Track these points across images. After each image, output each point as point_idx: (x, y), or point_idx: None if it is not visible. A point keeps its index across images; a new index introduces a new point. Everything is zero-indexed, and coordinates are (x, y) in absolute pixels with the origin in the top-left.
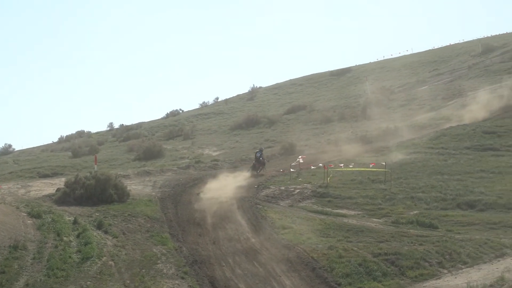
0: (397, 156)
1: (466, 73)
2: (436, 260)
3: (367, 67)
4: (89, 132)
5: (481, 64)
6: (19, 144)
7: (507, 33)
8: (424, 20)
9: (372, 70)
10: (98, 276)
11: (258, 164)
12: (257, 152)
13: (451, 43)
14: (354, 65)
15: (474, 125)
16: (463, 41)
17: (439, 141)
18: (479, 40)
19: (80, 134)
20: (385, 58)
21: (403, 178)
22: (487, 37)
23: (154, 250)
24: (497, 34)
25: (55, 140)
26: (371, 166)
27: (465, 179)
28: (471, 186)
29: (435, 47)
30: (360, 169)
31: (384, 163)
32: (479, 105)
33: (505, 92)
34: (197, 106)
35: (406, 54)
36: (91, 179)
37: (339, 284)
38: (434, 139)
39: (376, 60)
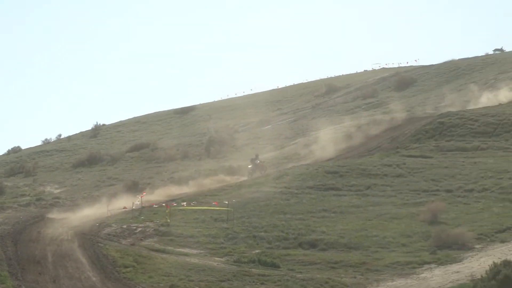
0: (240, 195)
1: (309, 112)
2: None
3: (212, 105)
4: None
5: (325, 104)
6: None
7: (350, 74)
8: (268, 59)
9: (216, 109)
10: None
11: (255, 168)
12: (253, 158)
13: (295, 83)
14: (199, 103)
15: (317, 165)
16: (307, 81)
17: (282, 180)
18: (322, 80)
19: None
20: (229, 97)
21: (246, 217)
22: (331, 77)
23: None
24: (341, 74)
25: None
26: (213, 204)
27: (307, 219)
28: (313, 226)
29: (279, 87)
30: (202, 207)
31: (226, 202)
32: (322, 144)
33: (348, 132)
34: (40, 143)
35: (250, 93)
36: None
37: None
38: (277, 179)
39: (220, 99)
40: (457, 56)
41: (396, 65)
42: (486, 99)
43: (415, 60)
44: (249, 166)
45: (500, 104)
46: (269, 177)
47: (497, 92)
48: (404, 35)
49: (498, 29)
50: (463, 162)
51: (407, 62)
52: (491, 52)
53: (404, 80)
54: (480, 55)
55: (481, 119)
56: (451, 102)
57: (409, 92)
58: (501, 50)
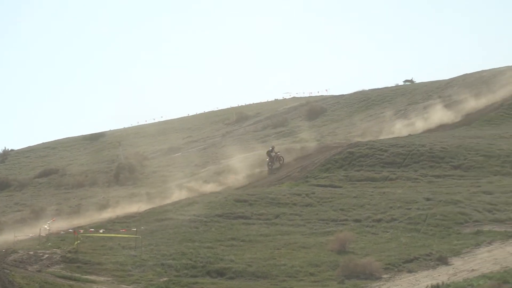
0: (149, 223)
1: (220, 140)
2: None
3: (122, 132)
4: None
5: (235, 133)
6: None
7: (261, 103)
8: (179, 87)
9: (126, 136)
10: None
11: (272, 160)
12: (269, 151)
13: (206, 111)
14: (108, 130)
15: (226, 193)
16: (217, 109)
17: (191, 208)
18: (233, 108)
19: None
20: (140, 124)
21: (154, 244)
22: (242, 105)
23: None
24: (252, 103)
25: None
26: (122, 232)
27: (215, 247)
28: (222, 254)
29: (189, 114)
30: (110, 235)
31: (135, 229)
32: (232, 173)
33: (259, 160)
34: None
35: (160, 120)
36: None
37: None
38: (186, 206)
39: (131, 126)
40: (367, 87)
41: (306, 95)
42: (396, 130)
43: (326, 90)
44: (267, 159)
45: (409, 135)
46: (176, 205)
47: (408, 123)
48: (314, 64)
49: (409, 60)
50: (372, 192)
51: (318, 92)
52: (401, 83)
53: (314, 109)
54: (390, 85)
55: (390, 149)
56: (361, 132)
57: (320, 121)
58: (411, 81)
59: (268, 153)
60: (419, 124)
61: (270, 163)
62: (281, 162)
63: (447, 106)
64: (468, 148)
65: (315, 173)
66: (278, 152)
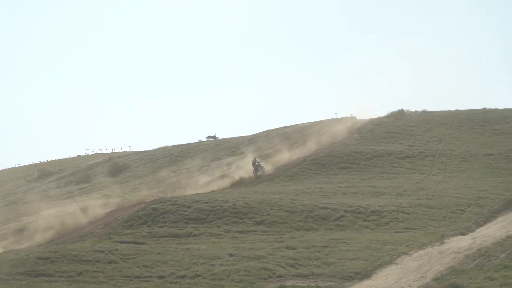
0: None
1: (21, 197)
2: None
3: None
4: None
5: (37, 189)
6: None
7: (63, 159)
8: None
9: None
10: None
11: (256, 168)
12: (253, 161)
13: (7, 167)
14: None
15: (28, 251)
16: (18, 165)
17: None
18: (35, 164)
19: None
20: None
21: None
22: (44, 162)
23: None
24: (53, 159)
25: None
26: None
27: None
28: None
29: None
30: None
31: None
32: (34, 230)
33: (61, 217)
34: None
35: None
36: None
37: None
38: None
39: None
40: (170, 143)
41: (109, 151)
42: (200, 186)
43: (129, 146)
44: (253, 169)
45: (212, 191)
46: None
47: (211, 178)
48: (117, 121)
49: (212, 116)
50: (176, 248)
51: (121, 148)
52: (204, 139)
53: (117, 165)
54: (193, 142)
55: (194, 205)
56: (164, 188)
57: (123, 177)
58: (214, 137)
59: (253, 163)
60: (223, 180)
61: (254, 171)
62: (263, 170)
63: (250, 161)
64: (271, 204)
65: (118, 230)
66: (260, 161)
